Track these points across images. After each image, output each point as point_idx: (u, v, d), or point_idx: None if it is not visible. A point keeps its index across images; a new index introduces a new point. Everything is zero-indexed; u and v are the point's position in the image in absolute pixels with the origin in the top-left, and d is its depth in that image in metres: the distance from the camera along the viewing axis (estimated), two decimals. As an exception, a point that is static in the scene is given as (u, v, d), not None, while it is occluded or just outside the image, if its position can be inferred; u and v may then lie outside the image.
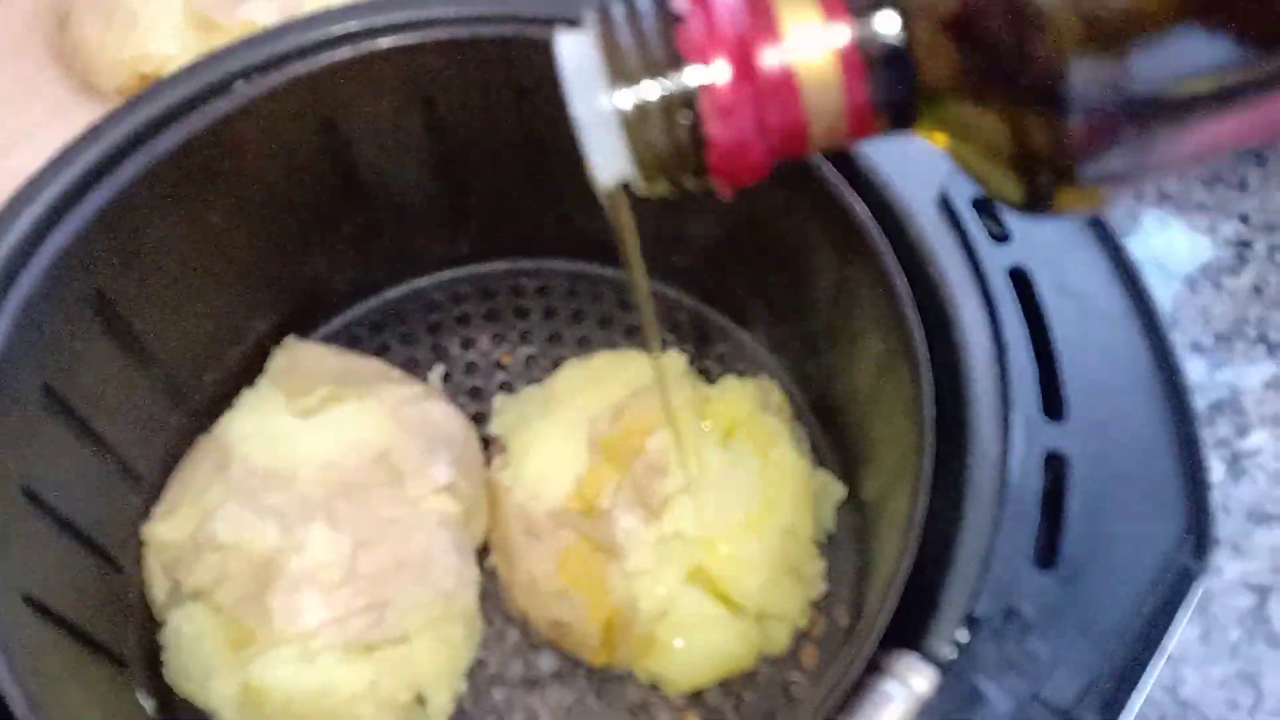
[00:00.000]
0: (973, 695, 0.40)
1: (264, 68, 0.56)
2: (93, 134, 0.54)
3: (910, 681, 0.40)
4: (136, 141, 0.54)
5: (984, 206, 0.50)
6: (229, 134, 0.55)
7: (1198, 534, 0.43)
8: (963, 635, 0.41)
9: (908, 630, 0.42)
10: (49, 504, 0.51)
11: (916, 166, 0.51)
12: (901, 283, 0.48)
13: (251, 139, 0.56)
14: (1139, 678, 0.41)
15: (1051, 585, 0.42)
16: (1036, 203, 0.29)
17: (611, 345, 0.69)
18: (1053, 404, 0.45)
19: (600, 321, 0.70)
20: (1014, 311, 0.47)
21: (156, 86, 0.55)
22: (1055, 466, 0.44)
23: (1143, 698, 0.40)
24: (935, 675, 0.40)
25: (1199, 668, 0.63)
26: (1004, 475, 0.43)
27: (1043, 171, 0.27)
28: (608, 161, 0.31)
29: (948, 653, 0.41)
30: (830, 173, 0.52)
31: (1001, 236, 0.49)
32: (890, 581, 0.43)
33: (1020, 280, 0.48)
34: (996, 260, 0.48)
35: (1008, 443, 0.44)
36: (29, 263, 0.50)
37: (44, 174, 0.52)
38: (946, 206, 0.50)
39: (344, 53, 0.56)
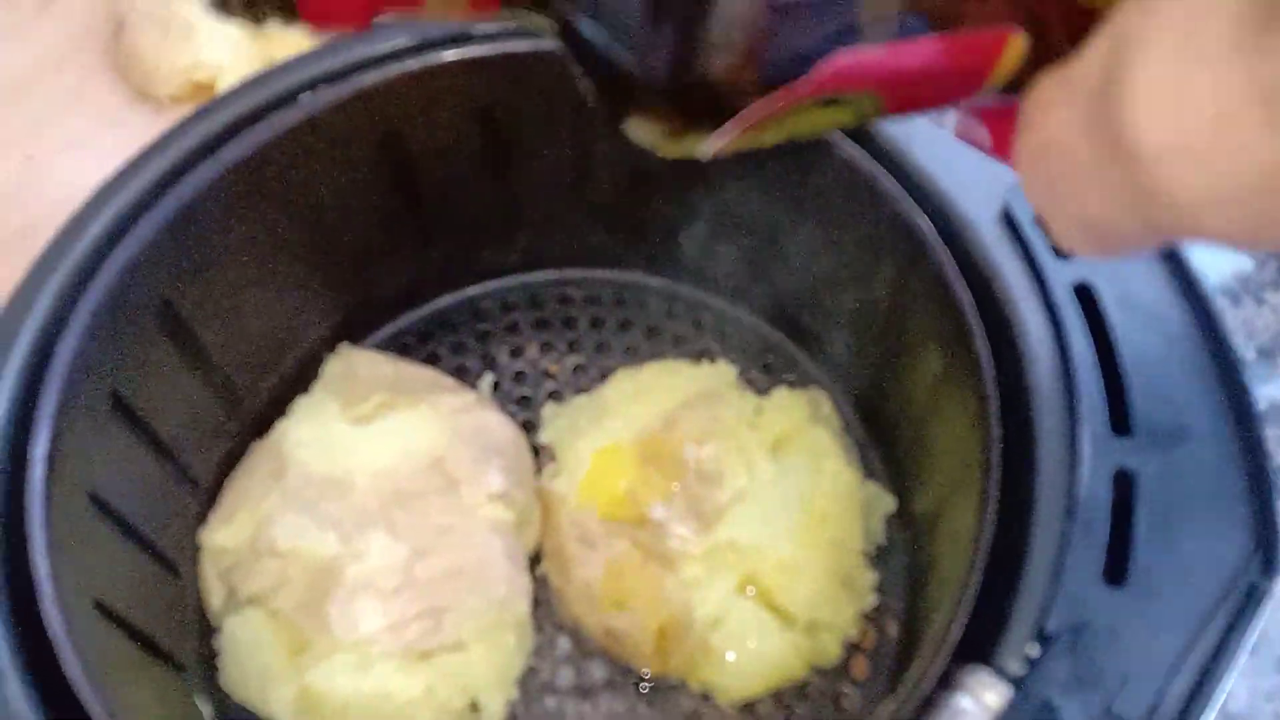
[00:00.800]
0: (1045, 710, 0.40)
1: (330, 79, 0.56)
2: (162, 143, 0.54)
3: (983, 696, 0.40)
4: (204, 151, 0.54)
5: (1047, 222, 0.50)
6: (295, 145, 0.56)
7: (1265, 551, 0.43)
8: (1034, 650, 0.41)
9: (976, 645, 0.42)
10: (114, 510, 0.52)
11: (978, 180, 0.52)
12: (966, 297, 0.49)
13: (316, 150, 0.57)
14: (1208, 693, 0.41)
15: (1120, 601, 0.42)
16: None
17: (659, 355, 0.70)
18: (1120, 420, 0.45)
19: (647, 331, 0.71)
20: (1079, 327, 0.47)
21: (223, 97, 0.56)
22: (1123, 482, 0.44)
23: (1213, 714, 0.41)
24: (1007, 690, 0.40)
25: (1248, 680, 0.63)
26: (1073, 491, 0.44)
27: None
28: None
29: (1019, 668, 0.41)
30: (891, 185, 0.52)
31: (1065, 252, 0.49)
32: (960, 595, 0.43)
33: (1085, 295, 0.48)
34: (1061, 275, 0.49)
35: (1076, 458, 0.44)
36: (99, 271, 0.50)
37: (114, 183, 0.53)
38: (1009, 221, 0.50)
39: (408, 65, 0.57)
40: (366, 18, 0.29)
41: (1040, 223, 0.50)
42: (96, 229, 0.52)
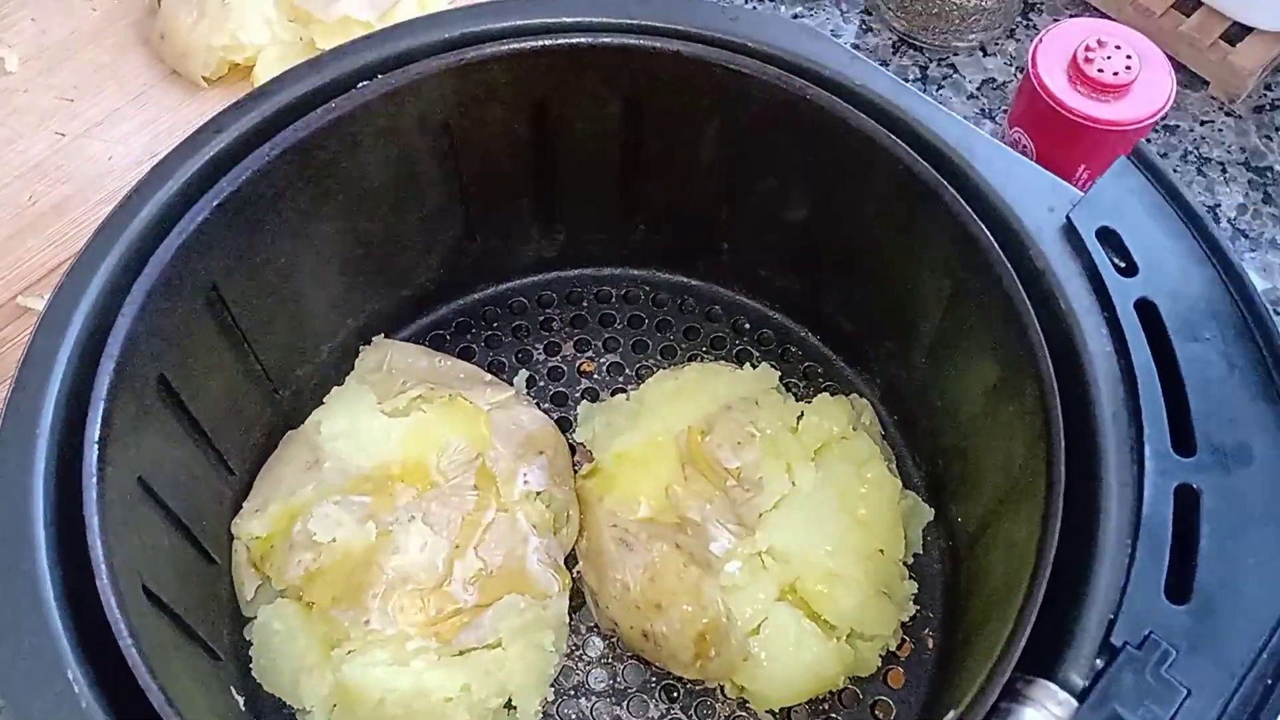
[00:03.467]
0: (1112, 724, 0.40)
1: (384, 69, 0.56)
2: (215, 125, 0.54)
3: (1049, 708, 0.40)
4: (258, 136, 0.54)
5: (1109, 237, 0.50)
6: (347, 133, 0.56)
7: (1325, 572, 0.43)
8: (1099, 664, 0.41)
9: (1037, 657, 0.42)
10: (158, 495, 0.51)
11: (1041, 194, 0.52)
12: (1028, 311, 0.49)
13: (370, 138, 0.56)
14: (1273, 709, 0.41)
15: (1183, 616, 0.42)
16: None
17: (695, 357, 0.69)
18: (1182, 438, 0.46)
19: (685, 332, 0.70)
20: (1142, 344, 0.47)
21: (275, 82, 0.55)
22: (1186, 500, 0.44)
23: (1275, 731, 0.41)
24: (1073, 703, 0.40)
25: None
26: (1138, 507, 0.44)
27: None
28: None
29: (1083, 681, 0.41)
30: (951, 197, 0.52)
31: (1127, 269, 0.49)
32: (1023, 607, 0.43)
33: (1147, 313, 0.48)
34: (1124, 292, 0.49)
35: (1140, 475, 0.44)
36: (153, 253, 0.50)
37: (168, 163, 0.52)
38: (1071, 236, 0.50)
39: (466, 55, 0.56)
40: None
41: None
42: (151, 209, 0.51)
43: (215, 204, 0.52)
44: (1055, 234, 0.50)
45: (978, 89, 0.83)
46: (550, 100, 0.60)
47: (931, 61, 0.84)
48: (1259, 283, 0.78)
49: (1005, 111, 0.81)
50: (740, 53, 0.56)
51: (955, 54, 0.84)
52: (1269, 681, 0.42)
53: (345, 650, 0.55)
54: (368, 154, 0.57)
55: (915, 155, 0.53)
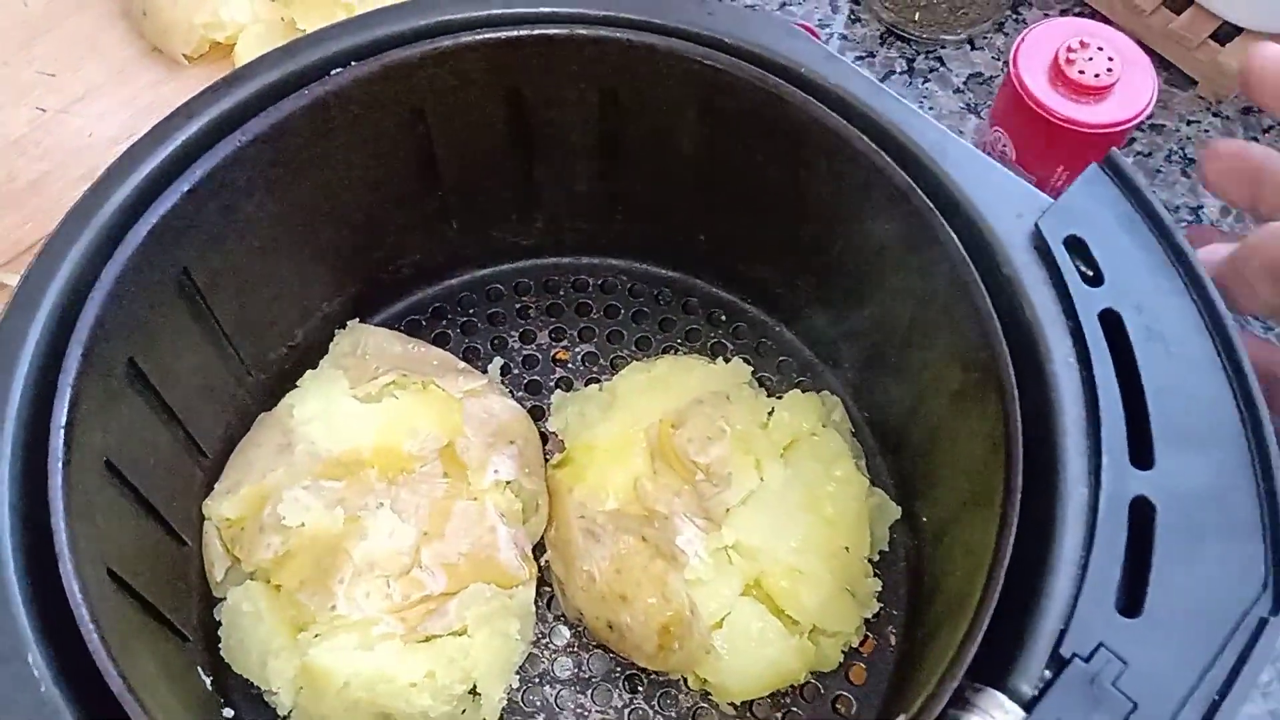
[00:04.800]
0: (1057, 734, 0.40)
1: (359, 55, 0.56)
2: (188, 110, 0.54)
3: (996, 717, 0.41)
4: (231, 121, 0.54)
5: (1077, 246, 0.50)
6: (321, 118, 0.55)
7: (1277, 587, 0.44)
8: (1047, 674, 0.42)
9: (988, 665, 0.43)
10: (127, 477, 0.52)
11: (1010, 201, 0.52)
12: (991, 317, 0.49)
13: (343, 124, 0.56)
14: (1216, 724, 0.42)
15: (1134, 629, 0.42)
16: None
17: (671, 348, 0.70)
18: (1140, 449, 0.46)
19: (661, 324, 0.71)
20: (1105, 355, 0.48)
21: (251, 66, 0.55)
22: (1142, 513, 0.45)
23: (1219, 745, 0.41)
24: (1020, 712, 0.41)
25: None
26: (1092, 520, 0.44)
27: None
28: None
29: (1031, 691, 0.41)
30: (921, 200, 0.52)
31: (1094, 278, 0.49)
32: (975, 615, 0.43)
33: (1111, 323, 0.48)
34: (1089, 302, 0.49)
35: (1097, 487, 0.45)
36: (124, 237, 0.50)
37: (139, 147, 0.52)
38: (1039, 243, 0.50)
39: (438, 43, 0.56)
40: None
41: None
42: (123, 193, 0.51)
43: (186, 189, 0.52)
44: (1023, 241, 0.50)
45: (964, 83, 0.83)
46: (526, 89, 0.60)
47: (919, 54, 0.84)
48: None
49: (991, 107, 0.81)
50: (716, 48, 0.56)
51: (943, 47, 0.84)
52: (1216, 697, 0.42)
53: (312, 634, 0.56)
54: (341, 140, 0.57)
55: (886, 158, 0.53)
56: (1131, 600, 0.43)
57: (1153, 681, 0.42)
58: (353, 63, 0.55)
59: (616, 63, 0.58)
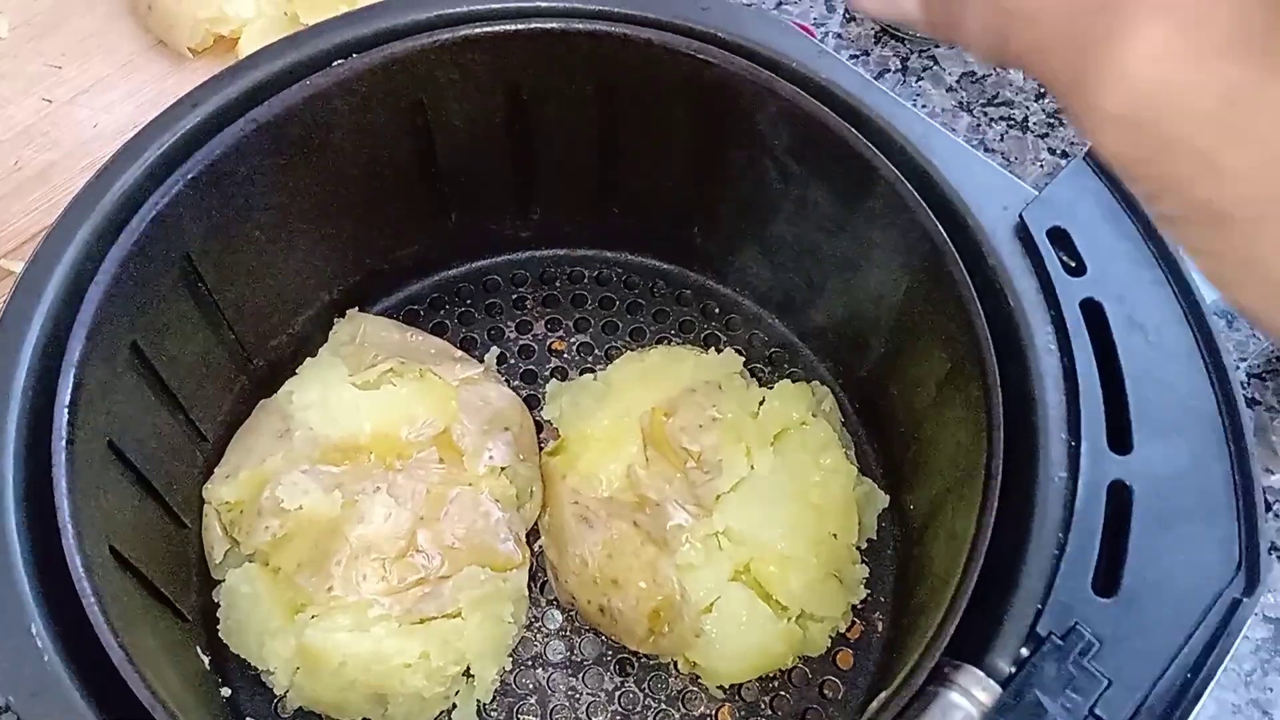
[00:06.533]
0: (1033, 710, 0.41)
1: (362, 47, 0.57)
2: (192, 98, 0.55)
3: (974, 693, 0.42)
4: (234, 110, 0.55)
5: (1060, 237, 0.51)
6: (325, 109, 0.57)
7: (1249, 570, 0.45)
8: (1024, 652, 0.43)
9: (968, 643, 0.44)
10: (129, 459, 0.53)
11: (995, 193, 0.53)
12: (976, 306, 0.50)
13: (345, 115, 0.57)
14: (1190, 702, 0.43)
15: (1110, 609, 0.44)
16: None
17: (665, 339, 0.71)
18: (1119, 435, 0.47)
19: (655, 315, 0.72)
20: (1085, 343, 0.49)
21: (254, 57, 0.56)
22: (1119, 497, 0.46)
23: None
24: (996, 689, 0.42)
25: (1215, 694, 0.65)
26: (1071, 502, 0.45)
27: None
28: None
29: (1009, 668, 0.42)
30: (908, 193, 0.53)
31: (1076, 269, 0.51)
32: (954, 595, 0.44)
33: (1092, 312, 0.50)
34: (1070, 291, 0.50)
35: (1075, 470, 0.46)
36: (128, 223, 0.51)
37: (144, 135, 0.53)
38: (1023, 235, 0.51)
39: (440, 36, 0.57)
40: None
41: None
42: (127, 180, 0.52)
43: (189, 177, 0.53)
44: (1008, 232, 0.52)
45: (957, 82, 0.84)
46: (524, 83, 0.61)
47: (913, 53, 0.85)
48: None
49: (983, 105, 0.82)
50: (710, 43, 0.57)
51: (936, 46, 0.85)
52: (1189, 675, 0.43)
53: (309, 615, 0.57)
54: (342, 131, 0.58)
55: (875, 150, 0.54)
56: (1108, 581, 0.44)
57: (1127, 659, 0.43)
58: (354, 55, 0.56)
59: (613, 57, 0.59)
